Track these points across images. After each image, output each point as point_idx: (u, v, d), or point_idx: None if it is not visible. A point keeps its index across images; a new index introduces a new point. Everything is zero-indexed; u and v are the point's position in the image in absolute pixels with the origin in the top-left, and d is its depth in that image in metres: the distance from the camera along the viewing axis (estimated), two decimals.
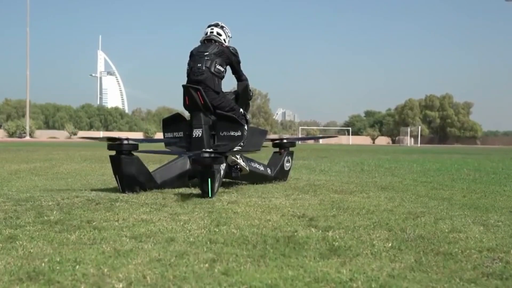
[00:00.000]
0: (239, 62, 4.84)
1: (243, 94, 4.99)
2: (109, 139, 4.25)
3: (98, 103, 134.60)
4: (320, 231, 2.59)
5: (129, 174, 4.17)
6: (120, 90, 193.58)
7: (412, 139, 54.75)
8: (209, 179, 4.00)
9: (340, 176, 6.30)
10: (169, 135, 4.80)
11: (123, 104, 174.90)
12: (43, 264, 1.88)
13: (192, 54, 4.72)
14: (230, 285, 1.68)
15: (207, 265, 1.90)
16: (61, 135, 60.04)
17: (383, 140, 70.56)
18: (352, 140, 62.45)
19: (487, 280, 1.79)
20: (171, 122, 4.82)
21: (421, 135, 57.64)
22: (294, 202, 3.74)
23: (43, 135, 57.84)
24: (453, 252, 2.17)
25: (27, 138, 46.50)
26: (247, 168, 4.77)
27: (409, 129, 55.16)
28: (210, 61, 4.56)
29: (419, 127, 58.86)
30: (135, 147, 4.23)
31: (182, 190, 4.40)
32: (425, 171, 7.57)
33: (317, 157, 12.27)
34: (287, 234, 2.49)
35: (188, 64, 4.70)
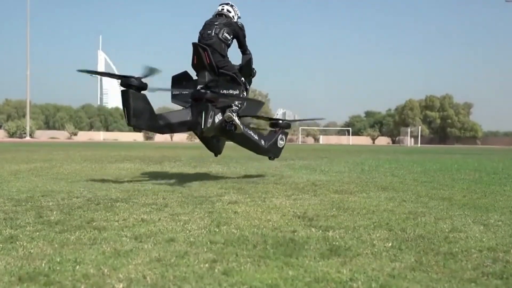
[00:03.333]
0: (244, 36, 5.40)
1: (246, 66, 5.48)
2: (121, 76, 4.63)
3: (99, 103, 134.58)
4: (320, 231, 2.59)
5: (135, 107, 4.53)
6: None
7: (412, 139, 54.74)
8: (203, 112, 4.71)
9: (340, 176, 6.29)
10: (176, 92, 5.33)
11: None
12: (43, 265, 1.88)
13: (205, 24, 5.30)
14: (230, 285, 1.68)
15: (207, 265, 1.90)
16: (61, 135, 60.03)
17: (383, 141, 70.53)
18: (352, 140, 62.44)
19: (487, 280, 1.79)
20: (180, 80, 5.32)
21: (421, 135, 57.61)
22: (294, 202, 3.74)
23: (43, 135, 57.81)
24: (453, 252, 2.17)
25: (28, 138, 46.48)
26: (241, 127, 5.24)
27: (409, 130, 55.13)
28: (219, 29, 5.15)
29: (419, 127, 58.81)
30: (144, 85, 4.60)
31: (182, 190, 4.41)
32: (425, 171, 7.56)
33: (317, 157, 12.27)
34: (287, 234, 2.49)
35: (200, 32, 5.26)
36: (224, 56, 5.15)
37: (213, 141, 5.58)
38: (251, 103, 5.70)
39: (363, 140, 68.42)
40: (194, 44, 5.06)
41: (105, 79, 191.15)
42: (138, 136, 63.19)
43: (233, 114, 5.09)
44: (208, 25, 5.24)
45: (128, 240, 2.32)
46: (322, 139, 65.70)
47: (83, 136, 61.20)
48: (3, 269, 1.82)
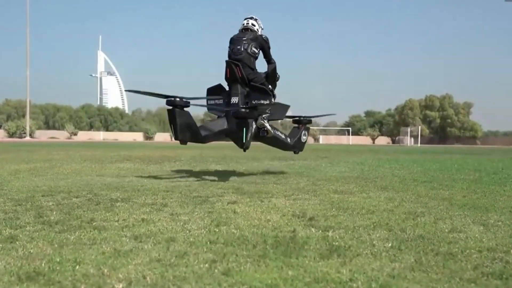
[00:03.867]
0: (269, 47, 5.96)
1: (272, 74, 6.06)
2: (166, 96, 5.19)
3: (98, 103, 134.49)
4: (320, 231, 2.59)
5: (181, 123, 5.15)
6: (120, 90, 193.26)
7: (412, 139, 54.74)
8: (244, 128, 5.36)
9: (340, 176, 6.29)
10: (211, 101, 5.94)
11: (123, 104, 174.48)
12: (43, 265, 1.88)
13: (232, 39, 5.84)
14: (230, 285, 1.68)
15: (207, 265, 1.90)
16: (61, 135, 60.02)
17: (383, 140, 70.52)
18: (352, 140, 62.46)
19: (487, 280, 1.79)
20: (214, 91, 5.94)
21: (421, 135, 57.61)
22: (294, 202, 3.74)
23: (43, 135, 57.82)
24: (453, 252, 2.17)
25: (27, 138, 46.46)
26: (272, 132, 5.88)
27: (409, 129, 55.14)
28: (247, 44, 5.70)
29: (419, 127, 58.83)
30: (187, 103, 5.21)
31: (182, 190, 4.41)
32: (425, 171, 7.56)
33: (317, 157, 12.26)
34: (287, 234, 2.49)
35: (229, 47, 5.83)
36: (253, 69, 5.74)
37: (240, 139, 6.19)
38: (279, 107, 6.23)
39: (363, 140, 68.42)
40: (227, 61, 5.67)
41: (105, 80, 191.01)
42: (138, 136, 63.24)
43: (265, 121, 5.74)
44: (236, 40, 5.77)
45: (128, 240, 2.32)
46: (322, 139, 65.64)
47: (83, 136, 61.20)
48: (3, 269, 1.82)
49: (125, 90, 5.93)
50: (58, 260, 1.94)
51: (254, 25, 5.94)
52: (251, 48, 5.69)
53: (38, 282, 1.68)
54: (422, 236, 2.49)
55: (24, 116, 55.11)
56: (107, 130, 72.42)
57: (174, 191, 4.34)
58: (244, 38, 5.74)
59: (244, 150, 6.02)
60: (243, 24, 5.97)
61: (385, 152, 18.88)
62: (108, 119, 77.31)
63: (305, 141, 6.86)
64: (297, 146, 6.69)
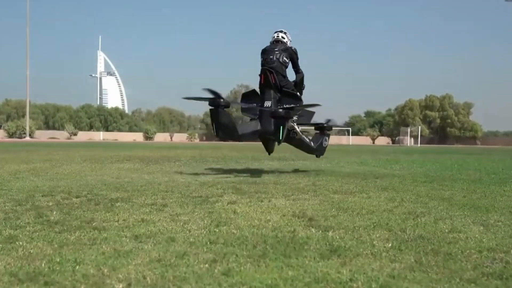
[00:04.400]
0: (298, 58, 6.55)
1: (300, 83, 6.68)
2: (209, 98, 5.76)
3: (98, 103, 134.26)
4: (320, 231, 2.59)
5: (221, 122, 5.74)
6: (120, 91, 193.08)
7: (412, 139, 54.73)
8: (281, 127, 5.73)
9: (340, 176, 6.29)
10: (245, 105, 6.52)
11: (123, 104, 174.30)
12: (43, 265, 1.88)
13: (265, 50, 6.47)
14: (230, 286, 1.68)
15: (207, 265, 1.90)
16: (61, 135, 60.00)
17: (383, 140, 70.49)
18: (352, 140, 62.43)
19: (487, 280, 1.79)
20: (248, 96, 6.58)
21: (421, 135, 57.58)
22: (294, 202, 3.74)
23: (43, 135, 57.79)
24: (453, 252, 2.17)
25: (27, 138, 46.45)
26: (300, 134, 6.55)
27: (409, 129, 55.13)
28: (279, 54, 6.32)
29: (419, 127, 58.79)
30: (228, 104, 5.83)
31: (182, 190, 4.41)
32: (425, 171, 7.56)
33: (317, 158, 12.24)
34: (287, 234, 2.49)
35: (262, 57, 6.43)
36: (285, 77, 6.31)
37: (270, 142, 6.77)
38: (306, 113, 6.79)
39: (363, 140, 68.40)
40: (263, 68, 6.23)
41: (105, 80, 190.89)
42: (138, 136, 63.25)
43: (294, 123, 6.30)
44: (269, 51, 6.38)
45: (128, 240, 2.32)
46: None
47: (83, 136, 61.19)
48: (3, 269, 1.82)
49: (183, 98, 6.32)
50: (58, 260, 1.94)
51: (284, 38, 6.59)
52: (282, 58, 6.28)
53: (38, 283, 1.68)
54: (422, 236, 2.49)
55: (24, 116, 55.11)
56: (107, 130, 72.36)
57: (174, 191, 4.34)
58: (276, 49, 6.34)
59: (269, 154, 6.79)
60: (274, 37, 6.61)
61: (385, 152, 18.88)
62: (108, 119, 77.26)
63: (326, 146, 7.39)
64: (319, 150, 7.28)
